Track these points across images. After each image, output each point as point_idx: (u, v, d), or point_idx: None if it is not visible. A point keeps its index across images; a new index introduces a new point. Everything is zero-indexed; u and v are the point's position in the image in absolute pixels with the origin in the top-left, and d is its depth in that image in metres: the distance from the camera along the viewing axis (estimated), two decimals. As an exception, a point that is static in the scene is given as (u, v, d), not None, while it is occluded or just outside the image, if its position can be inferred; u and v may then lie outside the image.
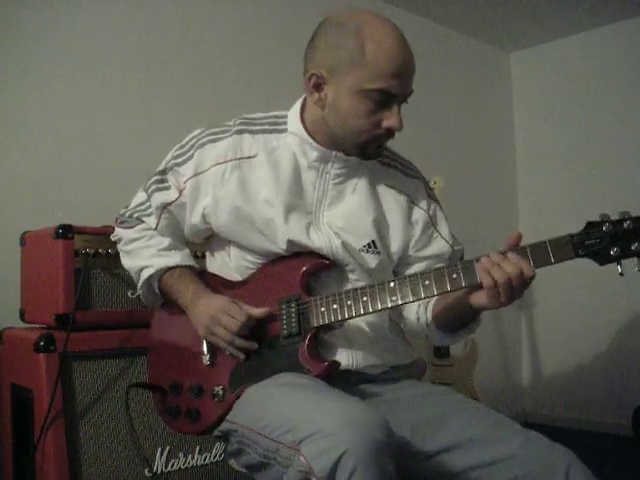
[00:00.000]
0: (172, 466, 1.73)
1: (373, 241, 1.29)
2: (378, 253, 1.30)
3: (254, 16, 2.75)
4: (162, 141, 2.42)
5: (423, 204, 1.38)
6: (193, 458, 1.76)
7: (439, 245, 1.38)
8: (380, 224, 1.32)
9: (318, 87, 1.24)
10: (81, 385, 1.65)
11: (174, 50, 2.49)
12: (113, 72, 2.31)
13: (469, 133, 3.65)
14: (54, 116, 2.17)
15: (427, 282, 1.14)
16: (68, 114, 2.20)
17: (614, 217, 1.06)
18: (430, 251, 1.37)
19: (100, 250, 1.71)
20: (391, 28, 1.20)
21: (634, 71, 3.42)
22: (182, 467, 1.75)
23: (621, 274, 1.05)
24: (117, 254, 1.70)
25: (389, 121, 1.21)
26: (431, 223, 1.39)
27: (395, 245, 1.33)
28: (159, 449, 1.71)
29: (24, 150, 2.11)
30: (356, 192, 1.31)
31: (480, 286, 1.11)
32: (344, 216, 1.30)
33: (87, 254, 1.68)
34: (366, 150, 1.26)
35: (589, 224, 1.07)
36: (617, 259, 1.05)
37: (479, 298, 1.14)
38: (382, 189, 1.35)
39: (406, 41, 1.20)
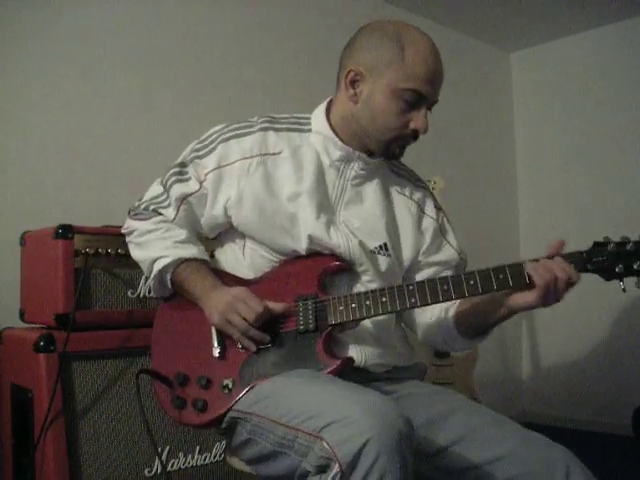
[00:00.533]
0: (172, 466, 1.73)
1: (385, 244, 1.33)
2: (389, 256, 1.33)
3: (254, 17, 2.75)
4: (162, 141, 2.44)
5: (432, 213, 1.43)
6: (193, 458, 1.76)
7: (449, 252, 1.42)
8: (391, 228, 1.36)
9: (354, 83, 1.30)
10: (81, 385, 1.65)
11: (174, 51, 2.49)
12: (113, 72, 2.31)
13: (469, 133, 3.65)
14: (54, 116, 2.17)
15: (445, 287, 1.19)
16: (68, 114, 2.20)
17: (616, 239, 1.15)
18: (439, 257, 1.41)
19: (100, 250, 1.71)
20: (428, 38, 1.29)
21: (634, 71, 3.42)
22: (182, 467, 1.75)
23: (624, 290, 1.16)
24: (117, 254, 1.72)
25: (416, 122, 1.28)
26: (440, 232, 1.43)
27: (407, 251, 1.37)
28: (159, 449, 1.71)
29: (24, 150, 2.11)
30: (372, 195, 1.35)
31: (523, 288, 1.15)
32: (359, 217, 1.33)
33: (87, 254, 1.68)
34: (390, 148, 1.32)
35: (596, 244, 1.16)
36: (621, 276, 1.15)
37: (525, 297, 1.16)
38: (395, 195, 1.41)
39: (439, 53, 1.29)
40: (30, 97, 2.13)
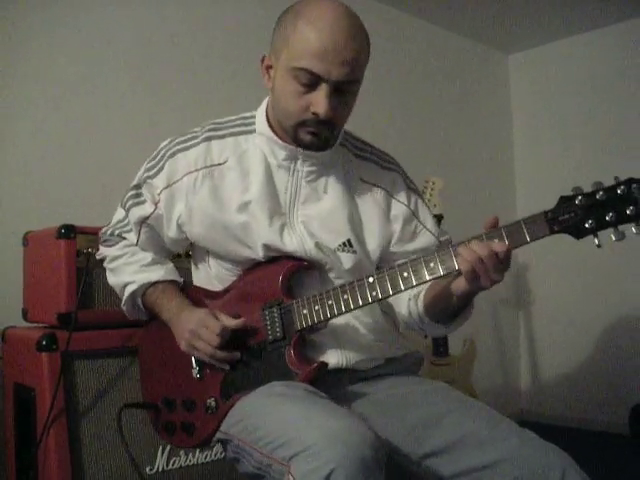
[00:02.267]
0: (173, 464, 1.74)
1: (349, 240, 1.28)
2: (354, 252, 1.28)
3: (255, 18, 2.75)
4: (163, 142, 2.43)
5: (402, 197, 1.35)
6: (194, 456, 1.77)
7: (425, 238, 1.36)
8: (355, 222, 1.30)
9: (268, 70, 1.25)
10: (83, 384, 1.65)
11: (176, 52, 2.50)
12: (115, 73, 2.32)
13: (468, 135, 3.66)
14: (56, 116, 2.18)
15: (405, 274, 1.13)
16: (70, 114, 2.21)
17: (587, 190, 1.04)
18: (416, 245, 1.35)
19: (102, 250, 1.71)
20: (333, 11, 1.14)
21: (632, 72, 3.44)
22: (183, 465, 1.76)
23: (598, 246, 1.03)
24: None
25: (314, 105, 1.16)
26: (414, 216, 1.36)
27: (372, 243, 1.31)
28: (160, 447, 1.72)
29: (26, 150, 2.12)
30: (329, 189, 1.29)
31: (460, 272, 1.11)
32: (319, 215, 1.28)
33: (89, 254, 1.68)
34: (298, 136, 1.21)
35: (562, 198, 1.05)
36: (592, 232, 1.03)
37: (459, 283, 1.13)
38: (357, 184, 1.32)
39: (350, 27, 1.14)
40: (32, 98, 2.14)
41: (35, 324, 1.80)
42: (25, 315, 1.83)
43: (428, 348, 2.79)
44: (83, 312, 1.67)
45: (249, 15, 2.74)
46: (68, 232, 1.68)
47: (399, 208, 1.34)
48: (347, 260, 1.27)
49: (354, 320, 1.29)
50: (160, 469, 1.72)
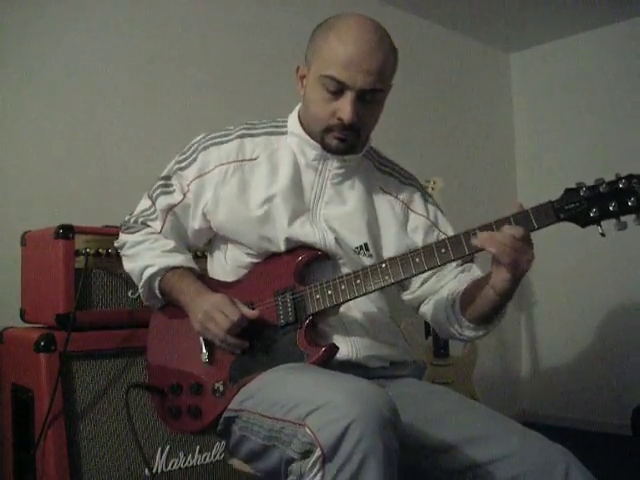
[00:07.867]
0: (172, 465, 1.74)
1: (366, 244, 1.32)
2: (370, 256, 1.32)
3: (256, 19, 2.75)
4: (163, 143, 2.44)
5: (421, 210, 1.40)
6: (193, 457, 1.77)
7: None
8: (373, 228, 1.35)
9: (302, 79, 1.32)
10: (81, 385, 1.65)
11: (176, 53, 2.49)
12: (115, 73, 2.32)
13: (469, 134, 3.66)
14: (55, 116, 2.18)
15: (417, 259, 1.18)
16: (69, 114, 2.21)
17: (590, 184, 1.10)
18: None
19: (100, 250, 1.71)
20: (361, 25, 1.23)
21: (633, 71, 3.43)
22: (182, 466, 1.75)
23: (602, 234, 1.09)
24: (118, 254, 1.71)
25: (339, 111, 1.23)
26: (434, 226, 1.40)
27: (388, 250, 1.35)
28: (159, 448, 1.72)
29: (25, 150, 2.11)
30: (352, 193, 1.34)
31: (475, 251, 1.15)
32: (339, 216, 1.33)
33: (87, 254, 1.69)
34: (325, 140, 1.28)
35: (567, 190, 1.11)
36: (597, 220, 1.09)
37: (496, 278, 1.14)
38: (378, 193, 1.38)
39: (375, 39, 1.22)
40: (31, 98, 2.13)
41: (33, 325, 1.80)
42: (23, 315, 1.82)
43: (429, 349, 2.78)
44: (81, 313, 1.67)
45: (251, 17, 2.73)
46: (66, 232, 1.68)
47: (418, 220, 1.39)
48: (364, 262, 1.30)
49: (365, 318, 1.32)
50: (159, 470, 1.71)
